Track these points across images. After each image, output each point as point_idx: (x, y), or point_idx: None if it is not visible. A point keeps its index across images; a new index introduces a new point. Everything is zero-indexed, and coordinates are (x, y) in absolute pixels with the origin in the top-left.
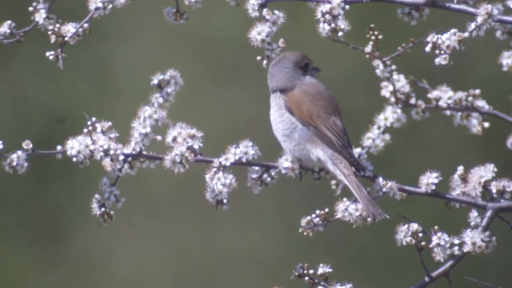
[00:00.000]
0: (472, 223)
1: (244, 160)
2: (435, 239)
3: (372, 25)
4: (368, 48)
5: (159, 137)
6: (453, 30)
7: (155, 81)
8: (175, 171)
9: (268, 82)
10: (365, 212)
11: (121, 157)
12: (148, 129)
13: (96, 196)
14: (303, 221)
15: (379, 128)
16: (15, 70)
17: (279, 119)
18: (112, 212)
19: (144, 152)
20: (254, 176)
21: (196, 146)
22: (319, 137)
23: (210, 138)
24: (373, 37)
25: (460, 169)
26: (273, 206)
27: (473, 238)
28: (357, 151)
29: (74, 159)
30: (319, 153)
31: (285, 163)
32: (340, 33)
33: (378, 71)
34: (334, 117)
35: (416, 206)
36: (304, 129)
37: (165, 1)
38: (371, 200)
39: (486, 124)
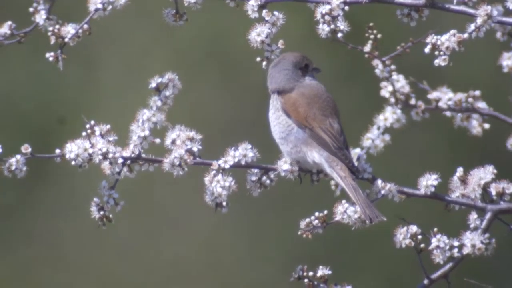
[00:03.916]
0: (472, 225)
1: (243, 162)
2: (434, 241)
3: (371, 24)
4: (367, 48)
5: (158, 140)
6: (452, 31)
7: (153, 84)
8: (174, 174)
9: (267, 83)
10: (362, 214)
11: (120, 160)
12: (147, 132)
13: (95, 199)
14: (302, 224)
15: (378, 128)
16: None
17: (276, 121)
18: (111, 215)
19: (143, 155)
20: (253, 178)
21: (195, 149)
22: (315, 139)
23: (208, 141)
24: (372, 36)
25: (460, 171)
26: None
27: (472, 240)
28: (356, 151)
29: (73, 162)
30: (315, 155)
31: (284, 165)
32: (339, 34)
33: (377, 71)
34: (331, 119)
35: (416, 208)
36: (300, 131)
37: (163, 2)
38: (368, 203)
39: (487, 126)
